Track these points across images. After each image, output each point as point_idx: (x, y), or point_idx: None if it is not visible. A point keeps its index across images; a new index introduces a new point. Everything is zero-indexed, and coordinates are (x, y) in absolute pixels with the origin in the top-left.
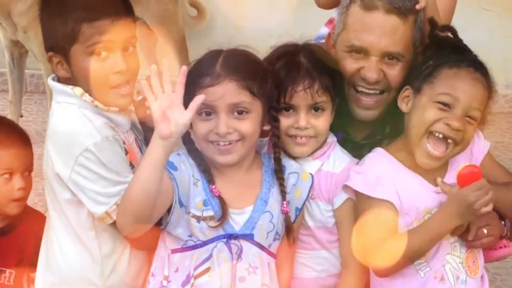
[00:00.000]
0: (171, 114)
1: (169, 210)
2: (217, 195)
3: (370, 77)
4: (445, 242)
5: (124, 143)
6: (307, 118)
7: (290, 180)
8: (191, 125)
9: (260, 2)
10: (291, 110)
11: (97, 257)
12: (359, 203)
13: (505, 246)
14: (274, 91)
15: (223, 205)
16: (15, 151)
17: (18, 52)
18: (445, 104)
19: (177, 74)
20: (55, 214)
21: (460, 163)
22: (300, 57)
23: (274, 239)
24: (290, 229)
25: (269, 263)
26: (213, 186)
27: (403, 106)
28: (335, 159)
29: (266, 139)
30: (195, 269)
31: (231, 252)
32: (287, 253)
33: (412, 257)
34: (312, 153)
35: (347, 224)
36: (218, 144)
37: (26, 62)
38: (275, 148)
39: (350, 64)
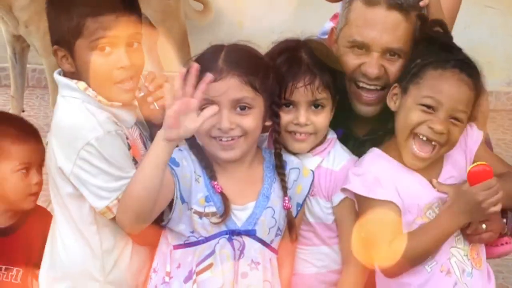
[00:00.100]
0: (183, 120)
1: (171, 207)
2: (219, 191)
3: (371, 73)
4: None
5: (127, 138)
6: (307, 115)
7: (291, 176)
8: None
9: (260, 1)
10: (291, 106)
11: (98, 252)
12: (360, 205)
13: (506, 243)
14: (276, 86)
15: (225, 201)
16: (31, 146)
17: (20, 46)
18: (428, 107)
19: (177, 70)
20: (58, 208)
21: (454, 156)
22: (302, 53)
23: (276, 235)
24: (292, 225)
25: (271, 259)
26: (215, 183)
27: (392, 104)
28: (335, 156)
29: (266, 134)
30: (197, 265)
31: (233, 248)
32: (289, 249)
33: (422, 256)
34: (312, 149)
35: (347, 222)
36: (221, 140)
37: (28, 57)
38: (276, 144)
39: (351, 60)
